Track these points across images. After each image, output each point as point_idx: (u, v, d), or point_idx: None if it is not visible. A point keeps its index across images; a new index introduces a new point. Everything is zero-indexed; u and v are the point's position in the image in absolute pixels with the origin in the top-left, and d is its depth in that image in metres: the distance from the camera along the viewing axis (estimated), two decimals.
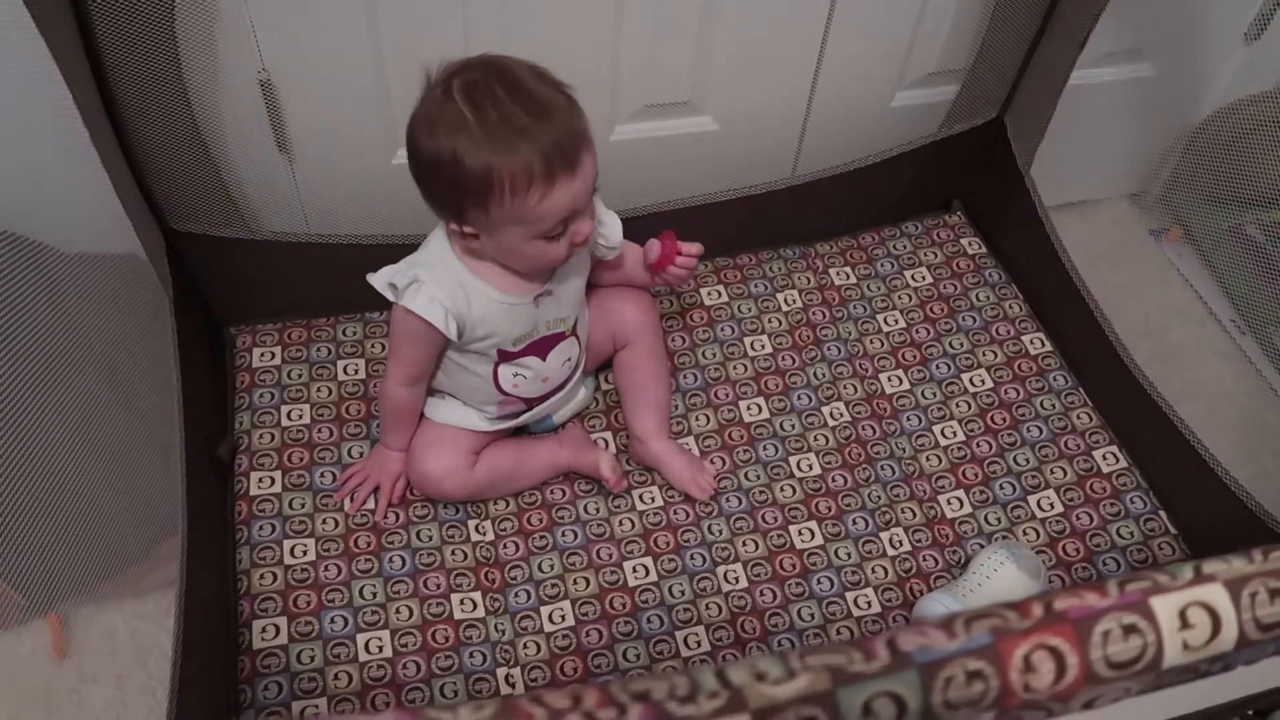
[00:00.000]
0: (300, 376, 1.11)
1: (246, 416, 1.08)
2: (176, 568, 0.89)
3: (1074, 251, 1.22)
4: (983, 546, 1.03)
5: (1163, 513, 1.08)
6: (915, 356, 1.21)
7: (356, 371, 1.13)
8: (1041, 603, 0.37)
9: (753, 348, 1.21)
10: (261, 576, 0.97)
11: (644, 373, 1.11)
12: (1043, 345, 1.22)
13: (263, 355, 1.12)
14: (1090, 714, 0.74)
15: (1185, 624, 0.37)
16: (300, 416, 1.08)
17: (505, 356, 0.99)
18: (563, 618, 0.98)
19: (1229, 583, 0.38)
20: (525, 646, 0.96)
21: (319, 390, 1.10)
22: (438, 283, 0.92)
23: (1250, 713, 1.02)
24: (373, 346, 1.15)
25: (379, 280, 0.94)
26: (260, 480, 1.03)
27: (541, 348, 1.01)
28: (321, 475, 1.04)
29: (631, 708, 0.33)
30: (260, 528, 1.00)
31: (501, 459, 1.04)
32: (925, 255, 1.31)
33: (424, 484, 1.02)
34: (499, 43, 1.04)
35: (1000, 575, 0.96)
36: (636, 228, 1.20)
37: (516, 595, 0.99)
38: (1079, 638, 0.36)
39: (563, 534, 1.04)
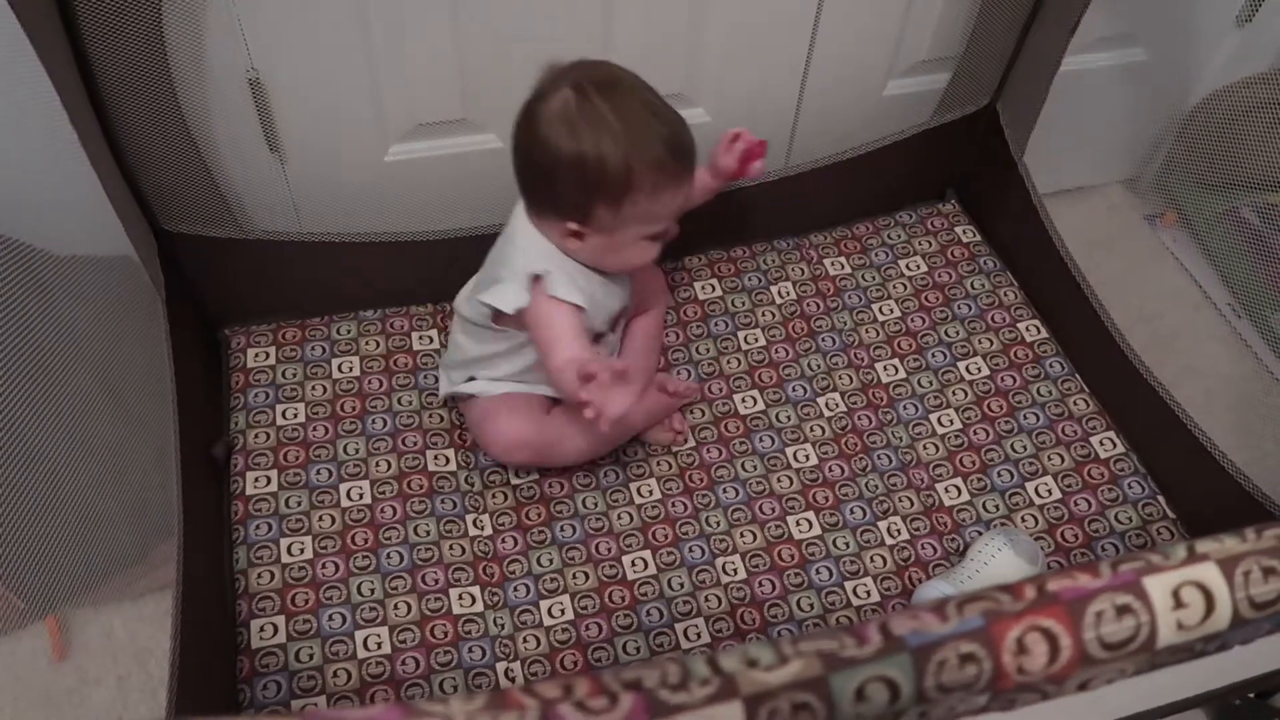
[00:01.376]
0: (295, 376, 1.11)
1: (241, 416, 1.07)
2: (174, 569, 0.88)
3: (1069, 238, 1.22)
4: (981, 534, 1.03)
5: (1161, 497, 1.08)
6: (911, 345, 1.21)
7: (351, 369, 1.12)
8: (1034, 584, 0.37)
9: (747, 341, 1.21)
10: (259, 575, 0.97)
11: (645, 339, 1.14)
12: (1038, 332, 1.22)
13: (257, 355, 1.12)
14: (1089, 696, 0.74)
15: (1179, 603, 0.37)
16: (295, 415, 1.08)
17: (596, 337, 1.01)
18: (562, 611, 0.98)
19: (1222, 561, 0.37)
20: (525, 641, 0.96)
21: (314, 389, 1.10)
22: (564, 271, 0.94)
23: (1251, 695, 1.02)
24: (367, 344, 1.15)
25: (507, 291, 0.93)
26: (256, 479, 1.03)
27: (617, 321, 1.05)
28: (318, 473, 1.04)
29: (623, 696, 0.33)
30: (257, 527, 1.00)
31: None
32: (920, 244, 1.31)
33: (504, 447, 1.02)
34: (490, 38, 1.04)
35: (998, 561, 0.96)
36: None
37: (515, 589, 0.99)
38: (1072, 619, 0.36)
39: (561, 528, 1.04)
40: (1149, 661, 0.38)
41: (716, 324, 1.22)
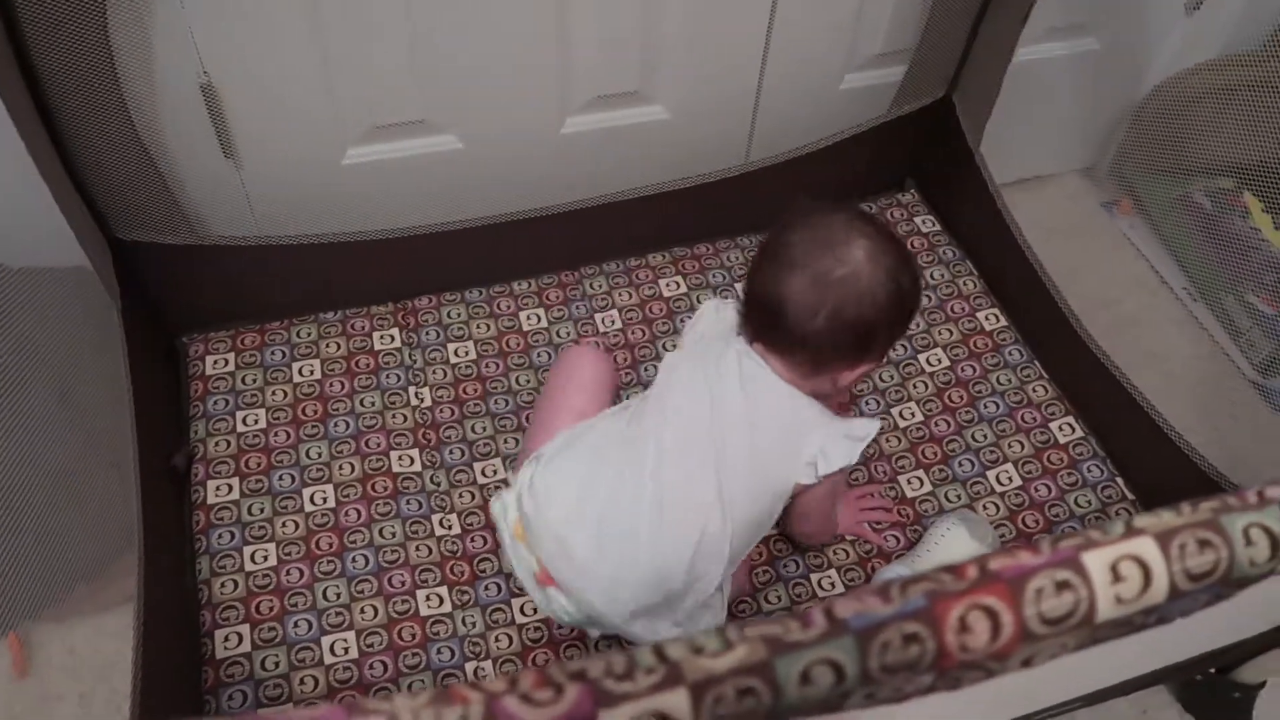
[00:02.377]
0: (254, 381, 1.10)
1: (201, 425, 1.06)
2: (135, 581, 0.87)
3: (1028, 227, 1.23)
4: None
5: (1120, 479, 1.10)
6: None
7: (312, 373, 1.11)
8: (976, 564, 0.37)
9: None
10: (222, 585, 0.96)
11: None
12: (998, 320, 1.23)
13: (216, 363, 1.11)
14: (1055, 675, 0.74)
15: (1117, 578, 0.37)
16: (256, 421, 1.07)
17: None
18: (535, 609, 0.98)
19: (1159, 535, 0.38)
20: (496, 640, 0.96)
21: (274, 394, 1.09)
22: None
23: (1212, 670, 1.03)
24: (328, 346, 1.14)
25: (838, 451, 0.88)
26: (218, 488, 1.02)
27: None
28: (280, 479, 1.03)
29: (569, 687, 0.33)
30: (219, 536, 0.99)
31: None
32: None
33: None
34: (445, 38, 1.04)
35: (949, 539, 0.98)
36: (590, 220, 1.20)
37: (486, 588, 0.99)
38: (1012, 596, 0.36)
39: None
40: (1090, 636, 0.38)
41: (683, 320, 1.22)
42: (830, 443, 0.88)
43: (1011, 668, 0.38)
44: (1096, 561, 0.37)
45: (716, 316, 0.97)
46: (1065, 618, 0.37)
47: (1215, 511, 0.39)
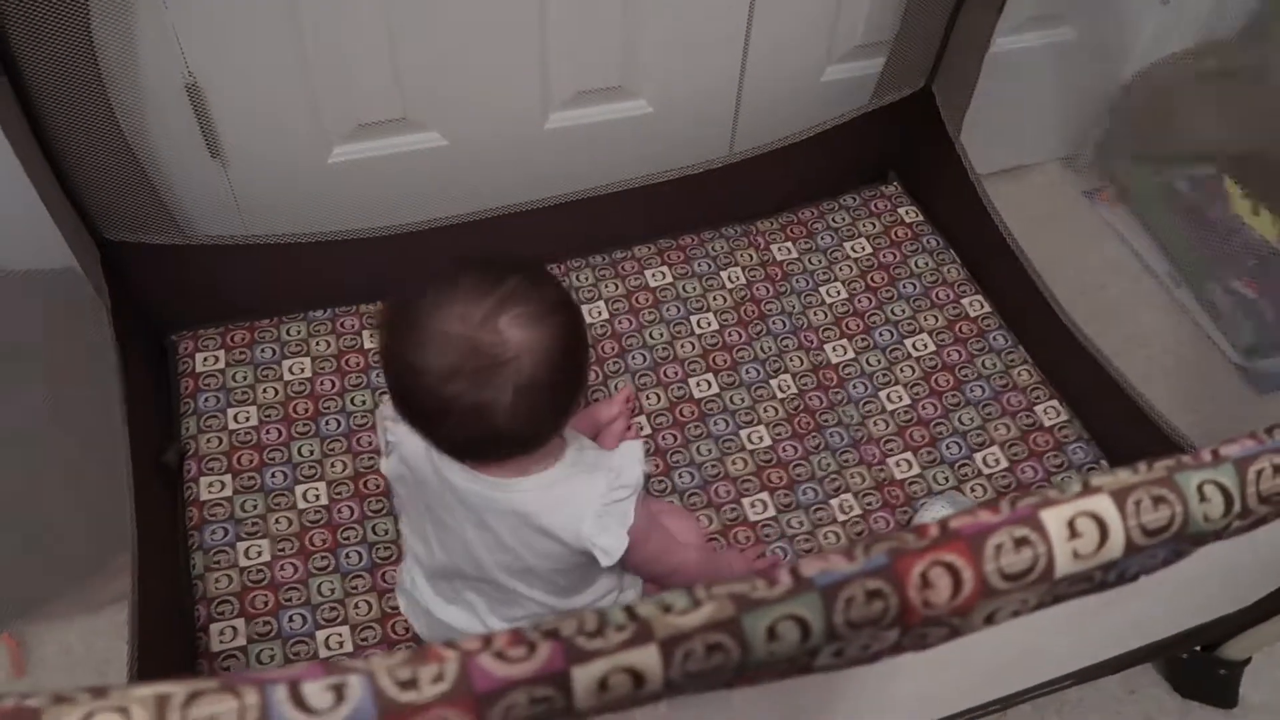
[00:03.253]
0: (245, 379, 1.11)
1: (192, 422, 1.07)
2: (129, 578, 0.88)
3: (1011, 215, 1.24)
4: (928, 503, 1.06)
5: (1104, 461, 1.11)
6: (859, 325, 1.23)
7: (303, 370, 1.12)
8: (938, 524, 0.38)
9: (699, 325, 1.22)
10: (217, 580, 0.97)
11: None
12: (982, 307, 1.24)
13: (206, 360, 1.12)
14: (1039, 651, 0.75)
15: (1074, 534, 0.38)
16: (247, 419, 1.08)
17: None
18: None
19: (1114, 493, 0.39)
20: None
21: (265, 391, 1.10)
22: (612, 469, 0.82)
23: (1198, 647, 1.04)
24: (317, 344, 1.15)
25: (615, 533, 0.78)
26: (210, 485, 1.03)
27: None
28: (272, 476, 1.04)
29: (541, 645, 0.34)
30: (212, 532, 1.00)
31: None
32: (864, 226, 1.33)
33: None
34: (425, 36, 1.05)
35: None
36: (575, 213, 1.21)
37: None
38: (972, 553, 0.37)
39: None
40: (1050, 592, 0.39)
41: (669, 309, 1.23)
42: (597, 529, 0.78)
43: (975, 624, 0.39)
44: (1054, 518, 0.38)
45: (404, 438, 0.81)
46: (1024, 573, 0.38)
47: (1170, 470, 0.40)
